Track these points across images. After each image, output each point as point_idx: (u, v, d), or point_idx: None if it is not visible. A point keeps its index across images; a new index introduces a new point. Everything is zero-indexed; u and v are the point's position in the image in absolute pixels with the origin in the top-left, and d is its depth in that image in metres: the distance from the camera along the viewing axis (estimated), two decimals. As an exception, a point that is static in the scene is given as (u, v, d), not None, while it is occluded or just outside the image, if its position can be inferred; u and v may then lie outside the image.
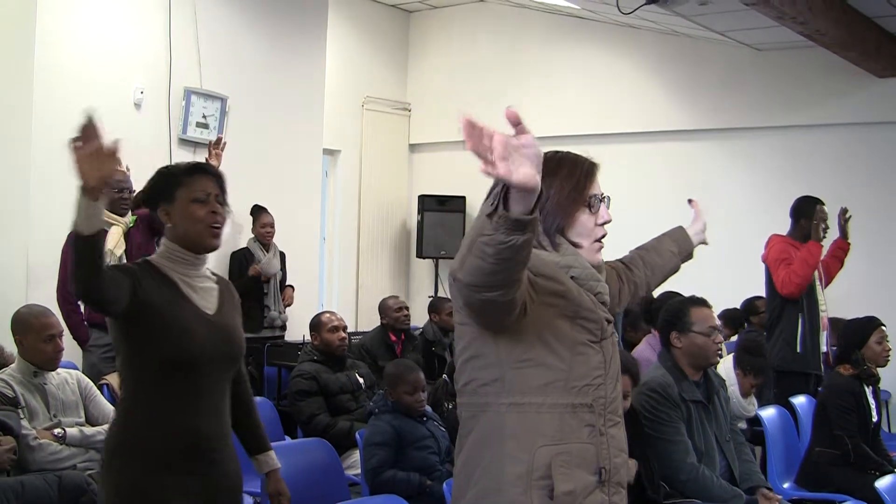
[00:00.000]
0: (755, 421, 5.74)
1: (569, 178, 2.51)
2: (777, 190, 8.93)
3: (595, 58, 10.65)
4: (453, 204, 10.83)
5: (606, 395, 2.47)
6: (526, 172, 1.91)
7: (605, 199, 2.57)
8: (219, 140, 7.36)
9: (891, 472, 4.90)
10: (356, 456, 5.17)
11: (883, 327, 5.57)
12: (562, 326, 2.40)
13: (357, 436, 4.94)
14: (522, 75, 11.03)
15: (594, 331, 2.45)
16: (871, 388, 5.52)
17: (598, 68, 10.62)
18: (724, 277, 9.01)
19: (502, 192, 1.98)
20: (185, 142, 7.94)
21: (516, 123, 1.95)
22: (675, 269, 3.07)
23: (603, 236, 2.56)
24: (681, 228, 3.09)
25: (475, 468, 2.46)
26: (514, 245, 2.01)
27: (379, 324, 7.78)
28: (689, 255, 3.10)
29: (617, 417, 2.50)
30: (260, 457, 3.29)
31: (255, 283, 7.96)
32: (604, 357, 2.47)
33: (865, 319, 5.65)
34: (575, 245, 2.51)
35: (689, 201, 3.27)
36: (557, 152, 2.57)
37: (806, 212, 6.56)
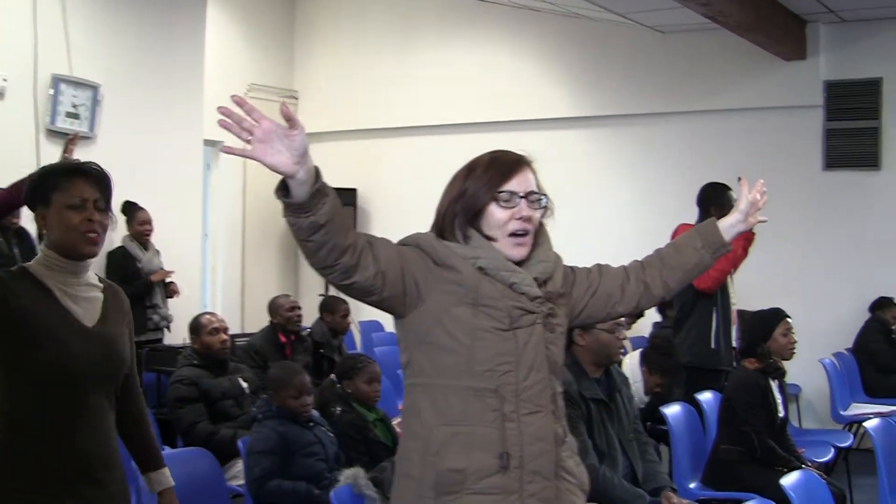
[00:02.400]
0: (660, 419, 5.82)
1: (485, 173, 2.68)
2: (684, 177, 9.08)
3: (493, 42, 10.72)
4: (343, 197, 10.61)
5: (517, 381, 2.60)
6: (282, 159, 2.24)
7: (533, 196, 2.70)
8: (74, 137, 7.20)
9: (798, 468, 5.02)
10: (240, 465, 5.12)
11: (788, 319, 5.65)
12: (462, 313, 2.58)
13: (240, 444, 4.89)
14: (417, 61, 11.05)
15: (501, 319, 2.60)
16: (777, 382, 5.62)
17: (497, 53, 10.68)
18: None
19: (283, 180, 2.27)
20: (53, 133, 7.76)
21: (289, 119, 2.24)
22: (703, 265, 3.00)
23: (521, 231, 2.67)
24: (711, 221, 3.05)
25: (398, 448, 2.74)
26: (299, 227, 2.31)
27: (268, 324, 7.70)
28: (723, 247, 3.00)
29: (535, 406, 2.62)
30: (152, 474, 3.22)
31: (148, 287, 7.85)
32: (515, 345, 2.61)
33: (770, 311, 5.72)
34: (490, 238, 2.66)
35: (739, 179, 3.16)
36: (493, 150, 2.77)
37: (716, 199, 6.58)
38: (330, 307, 8.08)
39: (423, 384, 2.63)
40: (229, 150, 2.25)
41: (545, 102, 10.42)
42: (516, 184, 2.68)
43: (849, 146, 9.19)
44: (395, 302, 2.56)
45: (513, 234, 2.66)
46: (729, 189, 6.63)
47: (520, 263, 2.68)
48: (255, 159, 2.24)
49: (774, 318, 5.66)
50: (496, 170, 2.69)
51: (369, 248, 2.46)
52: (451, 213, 2.67)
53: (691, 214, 6.81)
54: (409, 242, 2.64)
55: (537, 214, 2.72)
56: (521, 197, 2.67)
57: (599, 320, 3.07)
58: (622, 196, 9.99)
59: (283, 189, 2.29)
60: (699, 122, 9.74)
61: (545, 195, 2.75)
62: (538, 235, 2.75)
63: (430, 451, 2.57)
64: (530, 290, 2.65)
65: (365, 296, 2.52)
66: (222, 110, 2.21)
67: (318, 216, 2.31)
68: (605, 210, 10.00)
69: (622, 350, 4.58)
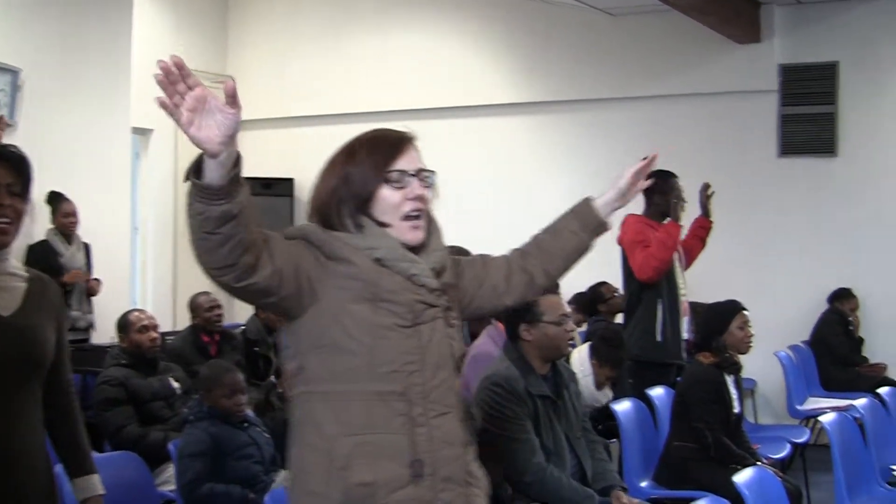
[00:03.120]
0: (610, 415, 5.85)
1: (370, 154, 2.59)
2: (634, 165, 9.10)
3: (434, 26, 10.71)
4: (280, 187, 10.71)
5: (424, 382, 2.53)
6: (209, 134, 2.13)
7: (423, 174, 2.62)
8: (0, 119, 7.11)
9: (753, 465, 5.07)
10: (171, 470, 5.08)
11: (745, 312, 5.67)
12: (360, 310, 2.49)
13: (171, 447, 4.86)
14: (355, 46, 11.00)
15: (403, 314, 2.52)
16: (732, 377, 5.66)
17: (438, 37, 10.67)
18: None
19: (198, 159, 2.17)
20: (-32, 120, 7.65)
21: (232, 96, 2.16)
22: (583, 249, 2.95)
23: (416, 212, 2.59)
24: (585, 201, 2.98)
25: (289, 459, 2.61)
26: (209, 216, 2.19)
27: (189, 324, 7.62)
28: (602, 228, 2.96)
29: (443, 407, 2.56)
30: (79, 480, 3.12)
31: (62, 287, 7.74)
32: (419, 342, 2.54)
33: (726, 304, 5.73)
34: (384, 224, 2.57)
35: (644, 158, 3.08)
36: (371, 129, 2.67)
37: (661, 188, 6.64)
38: (261, 303, 7.99)
39: (321, 392, 2.52)
40: (163, 103, 2.13)
41: (489, 88, 10.43)
42: (405, 162, 2.60)
43: (805, 132, 9.29)
44: (291, 303, 2.46)
45: (408, 217, 2.58)
46: (673, 176, 6.66)
47: (414, 251, 2.61)
48: (182, 126, 2.13)
49: (730, 310, 5.67)
50: (382, 149, 2.60)
51: (265, 244, 2.36)
52: (336, 200, 2.57)
53: (639, 204, 6.83)
54: (295, 235, 2.52)
55: (428, 194, 2.64)
56: (412, 175, 2.60)
57: (486, 313, 3.04)
58: (569, 185, 9.90)
59: (196, 172, 2.19)
60: (650, 108, 9.80)
61: (433, 172, 2.66)
62: (429, 221, 2.68)
63: (334, 465, 2.47)
64: (430, 282, 2.59)
65: (261, 298, 2.43)
66: (162, 65, 2.10)
67: (232, 204, 2.20)
68: (550, 199, 9.80)
69: (570, 343, 4.58)
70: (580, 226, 2.94)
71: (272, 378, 5.64)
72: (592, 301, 8.67)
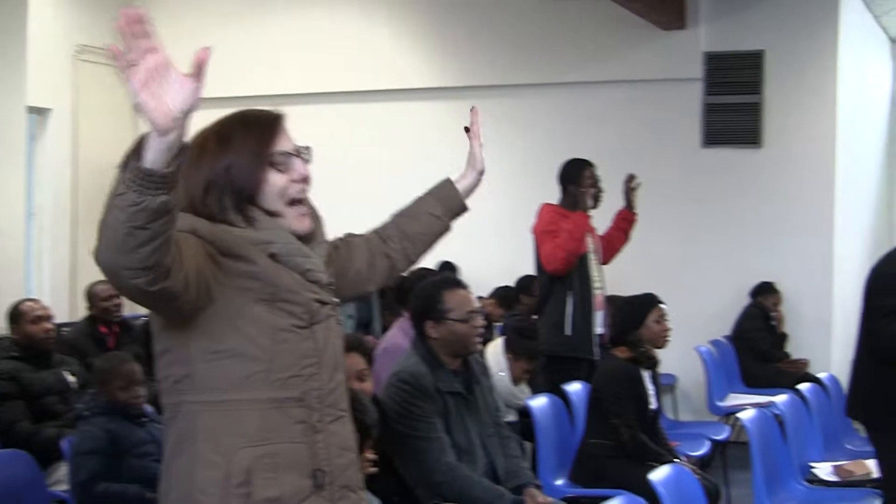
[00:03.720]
0: (526, 412, 5.88)
1: (246, 138, 2.48)
2: (555, 153, 9.13)
3: (361, 5, 10.64)
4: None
5: (322, 386, 2.48)
6: (161, 107, 1.89)
7: (303, 151, 2.56)
8: None
9: (671, 462, 5.14)
10: (65, 468, 5.02)
11: (662, 305, 5.74)
12: (259, 312, 2.39)
13: (64, 444, 4.80)
14: (269, 22, 10.91)
15: (300, 315, 2.45)
16: (649, 372, 5.73)
17: (366, 18, 10.61)
18: (496, 250, 9.28)
19: (139, 141, 1.96)
20: None
21: (199, 67, 1.94)
22: (443, 232, 2.96)
23: (302, 195, 2.53)
24: (446, 182, 2.98)
25: (170, 477, 2.46)
26: (144, 208, 1.96)
27: (86, 314, 7.51)
28: (462, 210, 2.98)
29: (338, 411, 2.52)
30: None
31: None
32: (315, 343, 2.48)
33: (642, 297, 5.80)
34: (273, 214, 2.50)
35: (466, 129, 3.13)
36: (238, 112, 2.55)
37: (573, 176, 6.66)
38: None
39: (213, 402, 2.39)
40: (116, 53, 1.89)
41: (407, 71, 10.40)
42: (284, 142, 2.52)
43: (729, 122, 9.40)
44: (189, 306, 2.30)
45: (293, 202, 2.51)
46: (588, 165, 6.70)
47: (302, 241, 2.54)
48: (133, 89, 1.89)
49: (647, 303, 5.74)
50: (260, 131, 2.50)
51: (176, 244, 2.18)
52: (216, 192, 2.44)
53: (557, 193, 6.87)
54: (184, 229, 2.28)
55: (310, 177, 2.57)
56: (294, 155, 2.52)
57: (347, 300, 2.95)
58: (488, 174, 9.99)
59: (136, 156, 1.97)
60: (571, 95, 9.85)
61: (310, 147, 2.58)
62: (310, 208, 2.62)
63: (233, 482, 2.36)
64: (322, 277, 2.54)
65: (166, 303, 2.24)
66: (126, 13, 1.87)
67: (172, 196, 1.99)
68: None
69: (479, 339, 4.59)
70: (443, 210, 2.96)
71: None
72: (517, 293, 8.71)
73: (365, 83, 10.44)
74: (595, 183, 6.65)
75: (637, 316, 5.69)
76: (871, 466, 5.90)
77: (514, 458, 4.66)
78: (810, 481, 5.77)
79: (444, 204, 2.95)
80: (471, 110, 3.14)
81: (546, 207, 6.67)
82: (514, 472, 4.57)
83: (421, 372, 4.35)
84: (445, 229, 2.98)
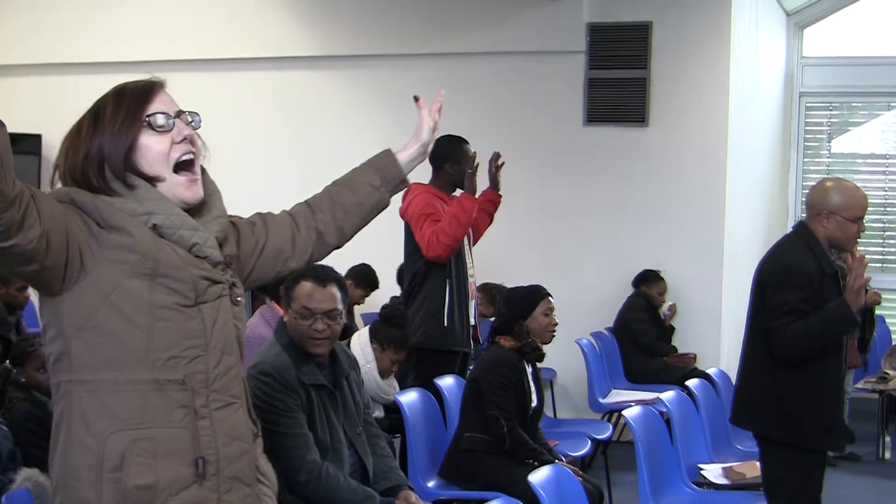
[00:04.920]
0: (395, 408, 5.88)
1: (119, 105, 2.55)
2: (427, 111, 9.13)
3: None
4: (25, 144, 10.36)
5: (208, 369, 2.52)
6: None
7: (185, 115, 2.61)
8: None
9: (550, 462, 5.19)
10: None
11: (550, 298, 5.84)
12: (136, 287, 2.44)
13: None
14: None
15: (185, 292, 2.49)
16: (531, 366, 5.78)
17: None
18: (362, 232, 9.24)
19: None
20: None
21: None
22: (382, 205, 3.01)
23: (188, 156, 2.57)
24: (386, 153, 3.04)
25: (52, 463, 2.53)
26: None
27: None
28: (403, 184, 3.03)
29: (228, 397, 2.56)
30: None
31: None
32: (202, 324, 2.52)
33: (532, 287, 5.89)
34: (155, 180, 2.54)
35: (416, 98, 3.16)
36: (117, 86, 2.62)
37: (452, 155, 6.65)
38: (2, 278, 7.78)
39: (88, 381, 2.46)
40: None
41: (273, 39, 10.31)
42: (161, 105, 2.58)
43: (613, 98, 9.50)
44: (55, 275, 2.39)
45: (180, 168, 2.56)
46: (465, 142, 6.71)
47: (192, 216, 2.58)
48: None
49: (536, 294, 5.83)
50: (132, 97, 2.57)
51: (33, 201, 2.26)
52: (96, 161, 2.52)
53: (423, 172, 6.85)
54: (62, 198, 2.44)
55: (199, 141, 2.63)
56: (174, 117, 2.58)
57: (268, 281, 3.02)
58: (356, 148, 9.88)
59: None
60: (445, 66, 9.84)
61: (197, 113, 2.65)
62: (205, 183, 2.66)
63: (107, 467, 2.43)
64: (213, 254, 2.58)
65: (20, 265, 2.31)
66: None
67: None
68: (334, 163, 9.87)
69: (318, 343, 4.56)
70: (381, 180, 2.99)
71: (7, 364, 5.44)
72: (372, 272, 8.69)
73: (229, 51, 10.33)
74: (474, 163, 6.62)
75: (525, 306, 5.77)
76: (762, 468, 6.04)
77: (385, 458, 4.67)
78: (699, 484, 5.88)
79: (383, 174, 3.00)
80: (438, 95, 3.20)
81: (418, 188, 6.60)
82: (384, 472, 4.59)
83: (283, 364, 4.32)
84: (383, 201, 3.01)
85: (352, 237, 3.04)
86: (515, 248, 8.79)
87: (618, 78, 9.44)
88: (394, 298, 8.14)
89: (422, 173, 6.83)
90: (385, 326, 6.22)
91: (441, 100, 3.14)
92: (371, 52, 10.08)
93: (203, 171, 2.67)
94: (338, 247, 3.01)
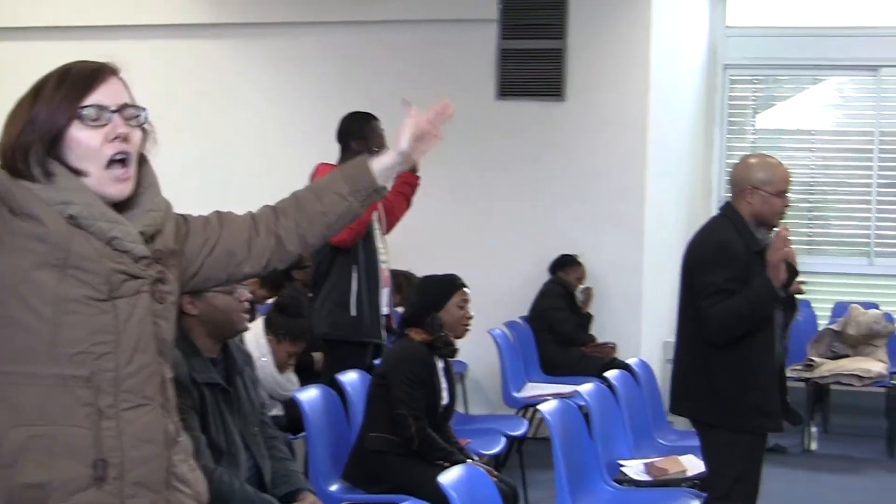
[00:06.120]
0: (294, 406, 5.84)
1: (59, 87, 2.59)
2: (329, 104, 9.07)
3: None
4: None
5: (118, 367, 2.55)
6: None
7: (128, 110, 2.63)
8: None
9: (462, 462, 5.19)
10: None
11: (466, 289, 5.84)
12: (44, 278, 2.49)
13: None
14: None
15: (97, 285, 2.53)
16: (442, 362, 5.78)
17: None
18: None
19: None
20: None
21: None
22: (351, 215, 2.99)
23: (122, 155, 2.59)
24: (360, 160, 3.02)
25: None
26: None
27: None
28: (376, 193, 3.00)
29: (140, 398, 2.58)
30: None
31: None
32: (115, 320, 2.55)
33: (446, 277, 5.89)
34: (80, 173, 2.57)
35: (405, 102, 3.15)
36: (67, 64, 2.65)
37: (357, 132, 6.62)
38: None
39: None
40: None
41: (154, 6, 10.21)
42: (103, 95, 2.60)
43: (528, 71, 9.54)
44: None
45: (111, 164, 2.57)
46: (374, 119, 6.68)
47: (120, 209, 2.60)
48: None
49: (451, 284, 5.83)
50: (73, 82, 2.59)
51: None
52: (23, 144, 2.54)
53: (329, 150, 6.81)
54: None
55: (136, 135, 2.64)
56: (113, 112, 2.60)
57: (219, 283, 3.07)
58: (250, 124, 9.92)
59: None
60: (350, 35, 9.81)
61: (144, 109, 2.68)
62: (143, 174, 2.68)
63: (0, 462, 2.48)
64: (135, 249, 2.60)
65: None
66: None
67: None
68: (229, 140, 9.89)
69: (246, 317, 4.55)
70: (350, 189, 2.97)
71: None
72: (286, 270, 8.62)
73: (112, 18, 10.22)
74: (382, 140, 6.60)
75: (439, 296, 5.76)
76: (686, 463, 6.12)
77: (283, 461, 4.65)
78: (619, 481, 5.93)
79: (353, 183, 2.97)
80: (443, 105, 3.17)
81: (323, 168, 6.56)
82: (283, 476, 4.56)
83: (174, 360, 4.26)
84: (352, 211, 2.99)
85: (316, 246, 3.07)
86: (422, 232, 8.75)
87: (532, 49, 9.47)
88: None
89: (321, 149, 6.88)
90: (280, 316, 6.19)
91: (447, 109, 3.13)
92: (267, 20, 10.01)
93: (144, 161, 2.69)
94: (298, 255, 3.02)
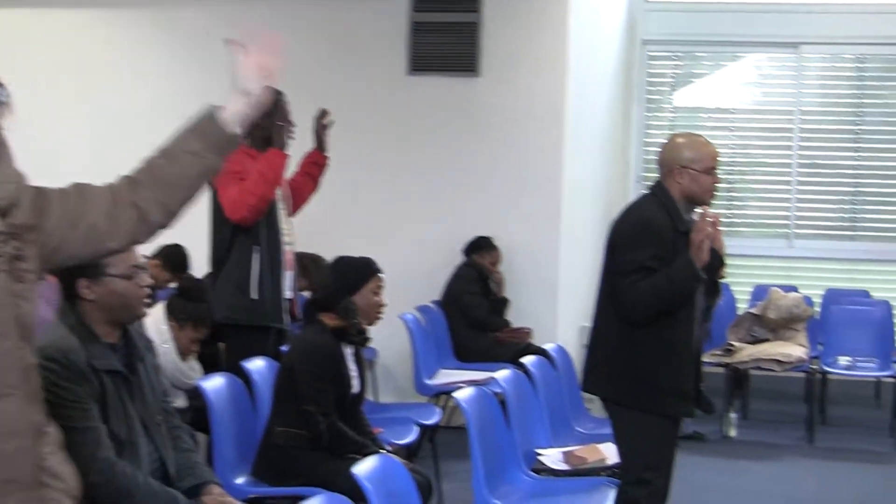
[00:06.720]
0: (198, 395, 5.78)
1: None
2: (215, 77, 8.99)
3: None
4: None
5: None
6: None
7: None
8: None
9: (375, 453, 5.16)
10: None
11: (381, 275, 5.82)
12: None
13: None
14: None
15: None
16: (352, 349, 5.74)
17: None
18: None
19: None
20: None
21: None
22: (210, 172, 2.97)
23: None
24: (207, 111, 2.97)
25: None
26: None
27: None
28: (232, 143, 2.98)
29: (4, 389, 2.51)
30: None
31: None
32: None
33: (362, 261, 5.86)
34: None
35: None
36: None
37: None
38: None
39: None
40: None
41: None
42: None
43: (440, 45, 9.51)
44: None
45: None
46: (279, 93, 6.63)
47: None
48: None
49: (368, 268, 5.83)
50: None
51: None
52: None
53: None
54: None
55: None
56: None
57: (83, 259, 3.00)
58: (148, 96, 9.81)
59: None
60: (252, 8, 9.70)
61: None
62: None
63: None
64: None
65: None
66: None
67: None
68: (122, 113, 9.76)
69: (147, 301, 4.49)
70: (204, 146, 2.92)
71: None
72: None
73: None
74: (287, 116, 6.57)
75: (355, 280, 5.75)
76: (605, 451, 6.15)
77: (188, 453, 4.57)
78: (537, 471, 5.94)
79: (205, 138, 2.92)
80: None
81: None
82: (188, 469, 4.49)
83: (71, 347, 4.19)
84: (211, 167, 2.95)
85: (180, 212, 2.98)
86: (330, 213, 8.70)
87: (445, 22, 9.44)
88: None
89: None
90: (182, 301, 6.12)
91: (277, 42, 3.05)
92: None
93: None
94: (165, 224, 2.95)
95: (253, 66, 2.98)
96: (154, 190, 2.86)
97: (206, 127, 2.93)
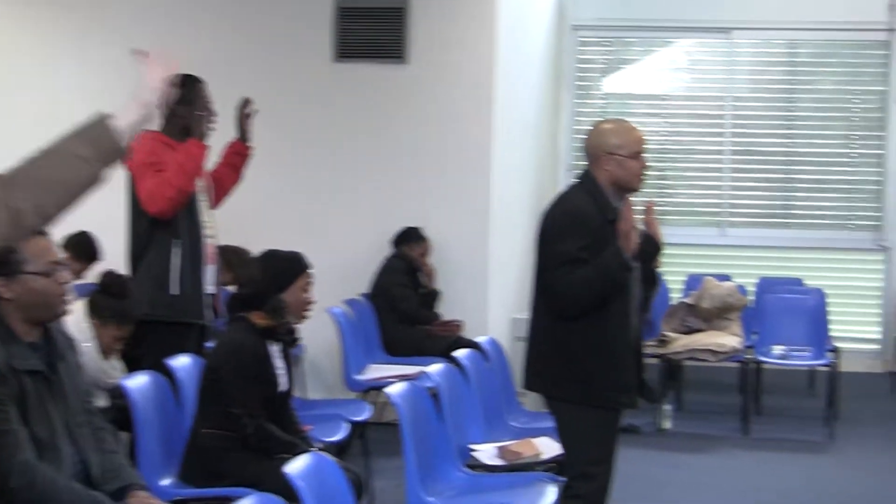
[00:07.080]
0: (121, 394, 5.72)
1: None
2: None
3: None
4: None
5: None
6: None
7: None
8: None
9: (305, 452, 5.13)
10: None
11: (311, 271, 5.77)
12: None
13: None
14: None
15: None
16: (278, 345, 5.69)
17: None
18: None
19: None
20: None
21: None
22: (93, 181, 2.86)
23: None
24: (99, 119, 2.90)
25: None
26: None
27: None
28: (116, 153, 2.89)
29: None
30: None
31: None
32: None
33: (292, 255, 5.80)
34: None
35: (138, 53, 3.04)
36: None
37: (183, 96, 6.52)
38: None
39: None
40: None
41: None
42: None
43: (367, 31, 9.48)
44: None
45: None
46: (199, 81, 6.58)
47: None
48: None
49: (297, 263, 5.77)
50: None
51: None
52: None
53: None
54: None
55: None
56: None
57: None
58: (67, 88, 9.73)
59: None
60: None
61: None
62: None
63: None
64: None
65: None
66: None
67: None
68: (47, 110, 9.66)
69: (66, 300, 4.43)
70: (94, 152, 2.84)
71: None
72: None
73: None
74: (208, 104, 6.53)
75: (285, 276, 5.69)
76: (540, 446, 6.16)
77: (111, 455, 4.54)
78: (471, 466, 5.93)
79: (96, 146, 2.84)
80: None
81: (145, 136, 6.45)
82: (112, 471, 4.46)
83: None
84: (95, 177, 2.86)
85: (57, 217, 2.89)
86: (254, 204, 8.66)
87: (372, 7, 9.43)
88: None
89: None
90: (104, 297, 6.05)
91: (172, 58, 3.01)
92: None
93: None
94: (39, 228, 2.91)
95: (155, 77, 2.93)
96: (31, 191, 2.79)
97: (99, 135, 2.87)
